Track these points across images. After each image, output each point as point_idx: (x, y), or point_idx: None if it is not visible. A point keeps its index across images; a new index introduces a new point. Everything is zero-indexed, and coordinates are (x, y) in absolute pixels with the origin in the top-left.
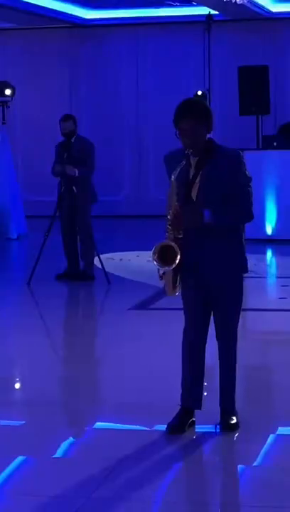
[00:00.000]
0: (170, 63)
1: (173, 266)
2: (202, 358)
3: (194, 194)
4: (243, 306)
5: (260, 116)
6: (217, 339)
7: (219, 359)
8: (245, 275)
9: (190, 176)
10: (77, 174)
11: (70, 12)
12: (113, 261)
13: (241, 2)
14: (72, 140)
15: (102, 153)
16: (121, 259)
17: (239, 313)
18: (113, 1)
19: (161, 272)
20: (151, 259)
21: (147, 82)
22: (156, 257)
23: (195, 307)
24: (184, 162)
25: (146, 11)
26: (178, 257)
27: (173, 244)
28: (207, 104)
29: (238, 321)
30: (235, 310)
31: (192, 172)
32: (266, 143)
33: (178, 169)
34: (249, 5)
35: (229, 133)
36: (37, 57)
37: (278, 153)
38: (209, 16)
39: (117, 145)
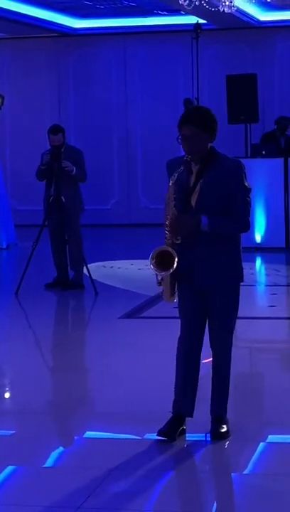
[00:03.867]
0: (158, 72)
1: (171, 271)
2: (197, 366)
3: (193, 201)
4: (237, 314)
5: (249, 125)
6: (212, 347)
7: (213, 367)
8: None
9: (191, 183)
10: (74, 172)
11: (58, 21)
12: (104, 269)
13: (228, 11)
14: (62, 150)
15: (91, 161)
16: (112, 267)
17: (234, 323)
18: (101, 10)
19: (159, 277)
20: (142, 267)
21: (136, 91)
22: (153, 263)
23: (190, 315)
24: (182, 168)
25: (134, 20)
26: (176, 262)
27: (170, 249)
28: (213, 112)
29: (233, 331)
30: (230, 319)
31: (192, 179)
32: (255, 151)
33: (176, 175)
34: (236, 14)
35: (218, 141)
36: (26, 66)
37: (267, 161)
38: (197, 24)
39: (106, 154)
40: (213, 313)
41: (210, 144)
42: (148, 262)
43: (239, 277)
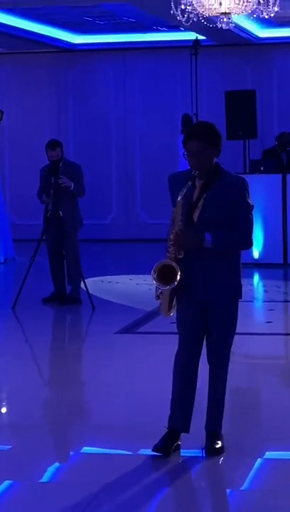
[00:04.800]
0: (157, 88)
1: (173, 285)
2: (194, 381)
3: (195, 216)
4: (235, 330)
5: (247, 141)
6: (209, 363)
7: (209, 383)
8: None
9: (194, 198)
10: (72, 187)
11: (58, 37)
12: (102, 283)
13: (226, 27)
14: (60, 165)
15: (90, 176)
16: (110, 282)
17: (232, 339)
18: (101, 26)
19: (159, 291)
20: (141, 282)
21: (134, 107)
22: (155, 276)
23: (189, 329)
24: (190, 183)
25: (133, 36)
26: (178, 276)
27: (173, 263)
28: (218, 128)
29: (231, 347)
30: (229, 335)
31: (196, 194)
32: (254, 167)
33: (184, 190)
34: (235, 30)
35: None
36: (26, 81)
37: (265, 177)
38: (196, 41)
39: (105, 168)
40: (212, 329)
41: (215, 159)
42: (146, 277)
43: (239, 294)
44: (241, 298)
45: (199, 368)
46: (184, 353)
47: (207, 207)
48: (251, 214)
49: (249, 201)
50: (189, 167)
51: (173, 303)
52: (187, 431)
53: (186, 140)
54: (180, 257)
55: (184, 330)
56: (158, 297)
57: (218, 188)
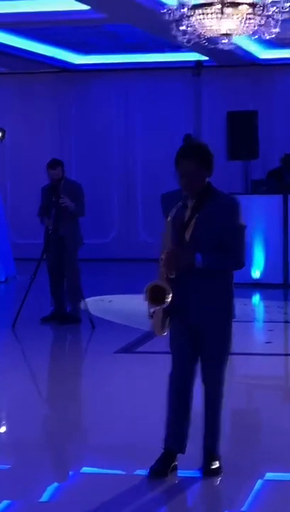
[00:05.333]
0: (159, 108)
1: (164, 305)
2: (189, 401)
3: (187, 236)
4: (230, 350)
5: (249, 161)
6: (204, 384)
7: (205, 404)
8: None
9: (186, 218)
10: (72, 208)
11: (60, 57)
12: (102, 302)
13: (227, 48)
14: (61, 184)
15: (91, 195)
16: (110, 301)
17: (226, 359)
18: (103, 46)
19: (152, 310)
20: (142, 302)
21: (136, 127)
22: (147, 296)
23: (182, 350)
24: (180, 204)
25: (135, 56)
26: (169, 297)
27: (164, 284)
28: (209, 148)
29: (225, 367)
30: (222, 355)
31: (188, 214)
32: (255, 187)
33: (175, 210)
34: (237, 51)
35: (218, 177)
36: (28, 100)
37: (267, 197)
38: (198, 61)
39: (106, 188)
40: (205, 350)
41: (207, 180)
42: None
43: (231, 314)
44: (234, 318)
45: (196, 388)
46: (178, 374)
47: (199, 227)
48: (244, 234)
49: (241, 221)
50: (180, 187)
51: (166, 322)
52: (183, 452)
53: (178, 160)
54: (171, 277)
55: (177, 350)
56: (151, 316)
57: (210, 208)
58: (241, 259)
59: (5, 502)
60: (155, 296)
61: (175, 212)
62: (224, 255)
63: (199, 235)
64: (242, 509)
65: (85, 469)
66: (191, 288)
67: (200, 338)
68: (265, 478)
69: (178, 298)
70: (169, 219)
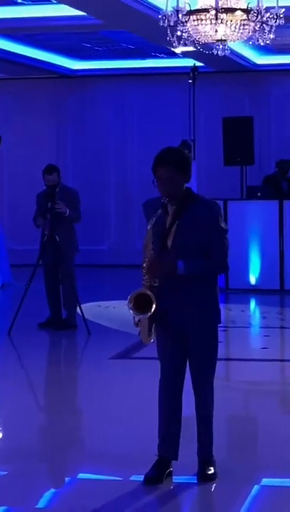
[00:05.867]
0: (155, 114)
1: (149, 314)
2: (179, 408)
3: (169, 242)
4: (226, 356)
5: (245, 167)
6: (193, 389)
7: (196, 409)
8: (227, 325)
9: (167, 225)
10: (67, 214)
11: (57, 63)
12: (99, 308)
13: (222, 54)
14: (57, 190)
15: (88, 202)
16: (107, 307)
17: (214, 364)
18: (100, 52)
19: (137, 319)
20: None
21: (133, 132)
22: (131, 306)
23: (169, 357)
24: (160, 211)
25: (132, 62)
26: (154, 305)
27: (148, 292)
28: (187, 153)
29: (214, 372)
30: (209, 360)
31: (169, 220)
32: (251, 193)
33: (154, 218)
34: (233, 57)
35: (214, 183)
36: (25, 106)
37: (263, 203)
38: (194, 67)
39: (102, 194)
40: (192, 356)
41: (185, 185)
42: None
43: (217, 319)
44: (220, 323)
45: (188, 394)
46: (166, 380)
47: (181, 233)
48: (226, 238)
49: (223, 225)
50: (159, 193)
51: (152, 330)
52: (176, 458)
53: (155, 167)
54: (155, 285)
55: (164, 358)
56: (136, 324)
57: (191, 213)
58: (224, 262)
59: (2, 508)
60: (140, 305)
61: (155, 219)
62: (207, 261)
63: (181, 242)
64: None
65: (82, 475)
66: (175, 294)
67: (186, 343)
68: (261, 483)
69: (162, 305)
70: (150, 227)
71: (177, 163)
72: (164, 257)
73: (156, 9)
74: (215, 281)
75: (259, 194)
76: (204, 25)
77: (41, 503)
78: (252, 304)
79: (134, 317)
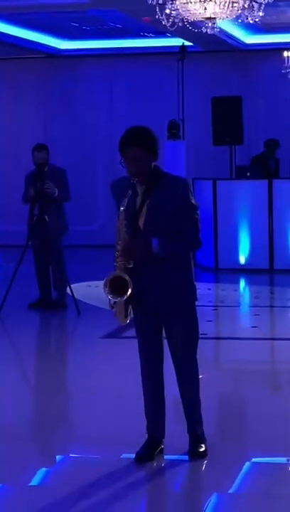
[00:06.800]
0: (144, 93)
1: (125, 297)
2: (162, 386)
3: (141, 223)
4: (217, 335)
5: (233, 147)
6: (175, 368)
7: (179, 388)
8: (217, 305)
9: (137, 205)
10: (56, 194)
11: (44, 42)
12: (89, 288)
13: (211, 32)
14: (45, 170)
15: (76, 182)
16: (97, 287)
17: (194, 342)
18: (87, 32)
19: (112, 301)
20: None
21: (121, 112)
22: (107, 290)
23: (147, 337)
24: (130, 192)
25: (119, 41)
26: (130, 289)
27: (124, 275)
28: (153, 131)
29: (195, 349)
30: (188, 338)
31: (139, 201)
32: (240, 173)
33: (126, 200)
34: (222, 36)
35: (203, 163)
36: (12, 87)
37: (252, 183)
38: (183, 46)
39: (91, 174)
40: (171, 335)
41: (153, 163)
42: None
43: (193, 296)
44: (196, 300)
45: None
46: (146, 361)
47: (152, 212)
48: (197, 214)
49: (193, 201)
50: (128, 173)
51: (129, 310)
52: (162, 437)
53: (123, 147)
54: (129, 266)
55: (142, 338)
56: (112, 307)
57: (161, 191)
58: (197, 238)
59: None
60: (115, 288)
61: (126, 201)
62: (180, 238)
63: (152, 221)
64: (230, 491)
65: (73, 454)
66: (150, 273)
67: (164, 322)
68: (252, 460)
69: (137, 285)
70: (122, 209)
71: (144, 143)
72: (138, 238)
73: None
74: (189, 258)
75: (248, 174)
76: (193, 3)
77: (34, 481)
78: (242, 283)
79: (110, 300)
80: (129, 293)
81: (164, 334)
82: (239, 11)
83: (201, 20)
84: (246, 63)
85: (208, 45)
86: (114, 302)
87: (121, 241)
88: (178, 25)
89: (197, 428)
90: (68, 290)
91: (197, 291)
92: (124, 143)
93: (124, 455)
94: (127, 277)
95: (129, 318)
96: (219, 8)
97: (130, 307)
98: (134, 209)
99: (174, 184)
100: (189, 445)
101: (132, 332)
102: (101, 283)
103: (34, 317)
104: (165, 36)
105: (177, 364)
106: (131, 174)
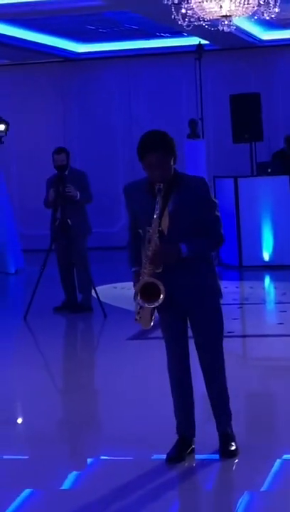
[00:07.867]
0: (162, 93)
1: (159, 302)
2: (191, 387)
3: (164, 227)
4: (243, 333)
5: (253, 144)
6: (201, 368)
7: (206, 387)
8: (242, 302)
9: (157, 209)
10: (78, 197)
11: (61, 46)
12: (115, 290)
13: (227, 30)
14: (66, 173)
15: (97, 184)
16: (122, 288)
17: (220, 340)
18: (104, 34)
19: (139, 307)
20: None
21: (140, 113)
22: (139, 298)
23: (175, 339)
24: (145, 196)
25: (136, 43)
26: (162, 295)
27: (156, 282)
28: (170, 134)
29: (222, 345)
30: (216, 336)
31: (159, 204)
32: (261, 169)
33: (142, 202)
34: (238, 33)
35: (224, 161)
36: (31, 91)
37: (273, 179)
38: (199, 45)
39: (112, 176)
40: (197, 333)
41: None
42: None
43: (218, 294)
44: (221, 297)
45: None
46: (175, 362)
47: (174, 215)
48: (218, 211)
49: (214, 199)
50: (149, 178)
51: (153, 315)
52: (193, 436)
53: (144, 152)
54: (158, 271)
55: (170, 341)
56: (138, 313)
57: (181, 193)
58: (221, 235)
59: (27, 491)
60: (146, 294)
61: (143, 205)
62: (205, 237)
63: (176, 224)
64: (262, 489)
65: (103, 457)
66: (177, 276)
67: (191, 320)
68: (283, 458)
69: (167, 289)
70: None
71: (167, 146)
72: (167, 244)
73: None
74: (210, 257)
75: (269, 170)
76: (208, 2)
77: (65, 485)
78: (266, 280)
79: (137, 305)
80: (161, 298)
81: (190, 334)
82: (255, 8)
83: (217, 19)
84: (263, 60)
85: (225, 42)
86: (140, 307)
87: (152, 247)
88: (194, 24)
89: (225, 426)
90: (93, 292)
91: (223, 289)
92: (145, 148)
93: (155, 456)
94: (158, 282)
95: (152, 322)
96: (235, 6)
97: (155, 312)
98: (154, 213)
99: (194, 185)
100: (219, 444)
101: (159, 333)
102: (126, 284)
103: (60, 320)
104: (182, 36)
105: (204, 360)
106: (156, 179)
